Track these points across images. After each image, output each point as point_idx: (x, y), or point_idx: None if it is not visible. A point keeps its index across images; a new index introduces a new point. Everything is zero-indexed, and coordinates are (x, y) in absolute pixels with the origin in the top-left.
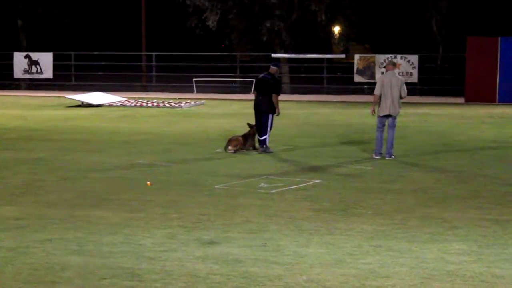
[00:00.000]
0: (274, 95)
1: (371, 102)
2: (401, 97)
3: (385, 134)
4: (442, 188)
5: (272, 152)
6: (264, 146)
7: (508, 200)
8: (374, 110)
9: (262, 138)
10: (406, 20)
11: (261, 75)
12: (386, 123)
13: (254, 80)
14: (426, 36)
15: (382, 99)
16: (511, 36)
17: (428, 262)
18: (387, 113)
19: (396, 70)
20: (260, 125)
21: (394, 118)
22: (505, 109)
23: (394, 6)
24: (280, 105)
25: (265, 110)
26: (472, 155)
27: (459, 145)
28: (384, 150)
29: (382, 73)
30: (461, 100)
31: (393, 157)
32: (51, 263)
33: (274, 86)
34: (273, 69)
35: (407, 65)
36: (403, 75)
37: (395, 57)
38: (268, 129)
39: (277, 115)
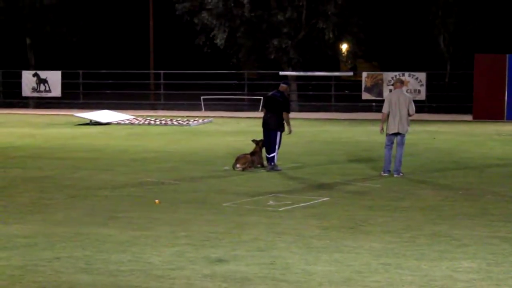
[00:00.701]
0: (285, 113)
1: (379, 120)
2: (409, 115)
3: (393, 151)
4: (450, 205)
5: (280, 170)
6: (272, 163)
7: None
8: (383, 128)
9: (271, 155)
10: (414, 37)
11: (270, 93)
12: (395, 141)
13: (262, 97)
14: (434, 53)
15: (390, 117)
16: None
17: (437, 280)
18: (395, 131)
19: (404, 88)
20: (269, 143)
21: (403, 136)
22: None
23: (402, 24)
24: (291, 122)
25: (273, 127)
26: (481, 173)
27: (467, 162)
28: (392, 167)
29: (390, 90)
30: (469, 117)
31: (401, 174)
32: (59, 282)
33: (283, 104)
34: (283, 86)
35: (415, 82)
36: (411, 92)
37: (403, 75)
38: (277, 147)
39: (289, 134)
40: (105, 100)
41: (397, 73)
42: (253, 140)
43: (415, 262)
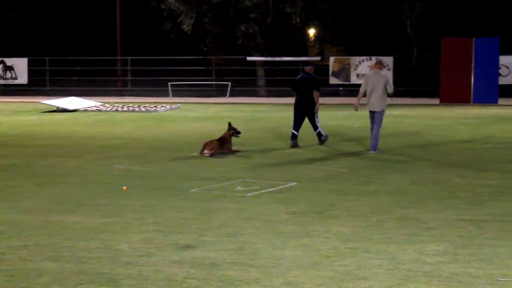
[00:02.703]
0: (315, 92)
1: (347, 105)
2: (388, 94)
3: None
4: (418, 189)
5: (328, 136)
6: (322, 137)
7: (483, 201)
8: (357, 106)
9: (317, 131)
10: (381, 22)
11: (298, 76)
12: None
13: (229, 83)
14: (400, 37)
15: (368, 96)
16: (485, 37)
17: (404, 263)
18: (370, 109)
19: (384, 71)
20: (300, 123)
21: (379, 113)
22: (479, 109)
23: (369, 8)
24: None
25: (308, 108)
26: (448, 156)
27: (434, 146)
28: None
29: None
30: (436, 101)
31: (378, 150)
32: (27, 269)
33: (313, 84)
34: (307, 68)
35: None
36: None
37: (370, 59)
38: (317, 122)
39: (316, 111)
40: (72, 87)
41: (364, 58)
42: (230, 124)
43: (383, 246)
